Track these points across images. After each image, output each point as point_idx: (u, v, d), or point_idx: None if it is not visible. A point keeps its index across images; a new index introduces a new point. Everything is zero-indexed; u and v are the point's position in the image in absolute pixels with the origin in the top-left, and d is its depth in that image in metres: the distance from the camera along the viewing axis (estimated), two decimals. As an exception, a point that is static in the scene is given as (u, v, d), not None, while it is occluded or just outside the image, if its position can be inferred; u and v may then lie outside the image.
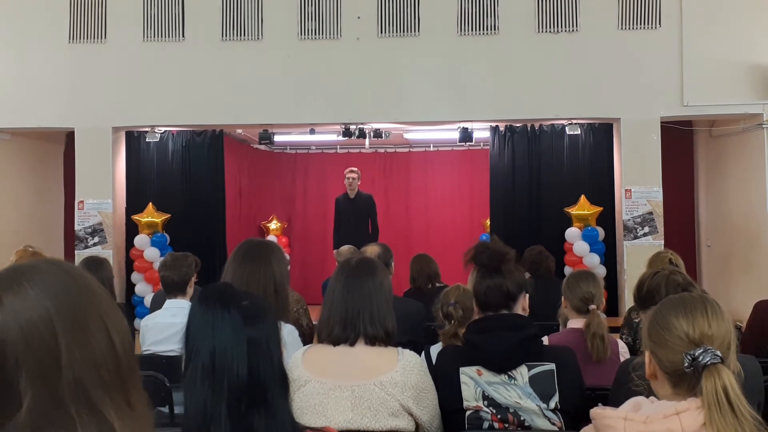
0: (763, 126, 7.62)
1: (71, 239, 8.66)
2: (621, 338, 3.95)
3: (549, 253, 5.86)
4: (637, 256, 7.18)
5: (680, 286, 2.70)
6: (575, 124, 8.29)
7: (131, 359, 1.03)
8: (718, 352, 1.58)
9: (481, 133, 8.99)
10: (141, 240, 8.44)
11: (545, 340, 3.14)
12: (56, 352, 0.96)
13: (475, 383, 2.50)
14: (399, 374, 2.36)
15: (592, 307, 3.39)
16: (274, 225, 10.87)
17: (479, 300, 2.67)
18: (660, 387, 1.72)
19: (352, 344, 2.41)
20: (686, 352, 1.60)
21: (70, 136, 8.79)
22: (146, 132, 8.68)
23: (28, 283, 0.99)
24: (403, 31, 8.06)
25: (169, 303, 3.97)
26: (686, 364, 1.60)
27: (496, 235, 2.78)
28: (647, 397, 1.71)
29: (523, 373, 2.48)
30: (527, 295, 2.68)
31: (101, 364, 0.98)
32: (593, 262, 8.03)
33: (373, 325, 2.43)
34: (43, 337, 0.96)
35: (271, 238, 10.14)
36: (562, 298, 3.60)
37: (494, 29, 8.02)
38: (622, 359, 3.26)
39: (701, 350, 1.59)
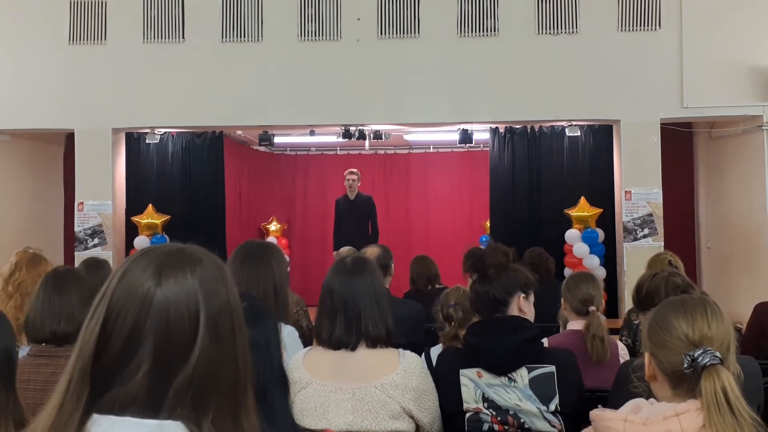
0: (763, 128, 7.62)
1: (71, 240, 8.66)
2: (621, 340, 3.94)
3: (549, 254, 5.85)
4: (637, 258, 7.18)
5: (679, 288, 2.70)
6: (575, 125, 8.29)
7: (247, 379, 1.06)
8: (718, 354, 1.59)
9: (481, 134, 8.99)
10: (141, 241, 8.43)
11: (545, 341, 3.13)
12: (189, 347, 0.98)
13: (475, 385, 2.50)
14: (400, 376, 2.36)
15: (592, 308, 3.39)
16: (274, 226, 10.87)
17: (472, 306, 2.73)
18: (659, 388, 1.72)
19: (353, 348, 2.41)
20: (686, 353, 1.61)
21: (69, 137, 8.79)
22: (146, 133, 8.68)
23: (191, 273, 1.02)
24: (403, 33, 8.06)
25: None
26: (685, 365, 1.60)
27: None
28: (647, 398, 1.72)
29: (523, 375, 2.48)
30: (524, 296, 2.65)
31: (223, 373, 1.01)
32: (593, 263, 8.03)
33: (375, 325, 2.42)
34: (183, 329, 0.99)
35: (271, 239, 10.14)
36: (562, 299, 3.60)
37: (494, 31, 8.02)
38: (621, 361, 3.26)
39: (701, 351, 1.59)
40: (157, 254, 1.04)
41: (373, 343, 2.41)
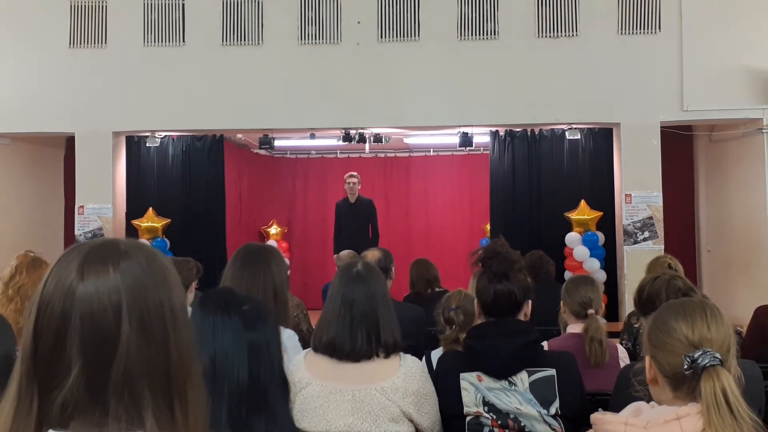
0: (763, 131, 7.63)
1: (71, 244, 8.64)
2: (621, 343, 3.94)
3: (549, 257, 5.84)
4: (637, 261, 7.17)
5: (681, 291, 2.69)
6: (575, 128, 8.29)
7: (186, 371, 1.05)
8: (718, 355, 1.59)
9: (481, 137, 9.00)
10: (141, 245, 8.42)
11: (544, 345, 3.13)
12: (115, 340, 0.98)
13: (475, 389, 2.49)
14: (400, 380, 2.35)
15: (591, 311, 3.38)
16: (274, 230, 10.87)
17: (486, 306, 2.61)
18: (660, 392, 1.72)
19: (370, 358, 2.38)
20: (686, 354, 1.61)
21: (70, 140, 8.80)
22: (146, 137, 8.69)
23: (113, 266, 1.02)
24: (403, 36, 8.07)
25: (170, 307, 3.97)
26: (686, 366, 1.60)
27: (503, 239, 2.71)
28: (647, 402, 1.72)
29: (523, 378, 2.47)
30: (530, 302, 2.67)
31: (154, 366, 1.00)
32: (593, 266, 8.03)
33: (392, 334, 2.41)
34: (107, 322, 0.98)
35: (271, 242, 10.13)
36: (561, 302, 3.59)
37: (494, 34, 8.03)
38: (621, 364, 3.25)
39: (700, 352, 1.60)
40: (83, 249, 1.05)
41: (388, 352, 2.40)
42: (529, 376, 2.47)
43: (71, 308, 0.98)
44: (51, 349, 0.98)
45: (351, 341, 2.38)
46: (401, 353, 2.45)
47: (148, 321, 1.01)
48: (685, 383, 1.63)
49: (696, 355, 1.60)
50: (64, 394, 0.96)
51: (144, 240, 8.30)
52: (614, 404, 2.53)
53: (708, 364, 1.58)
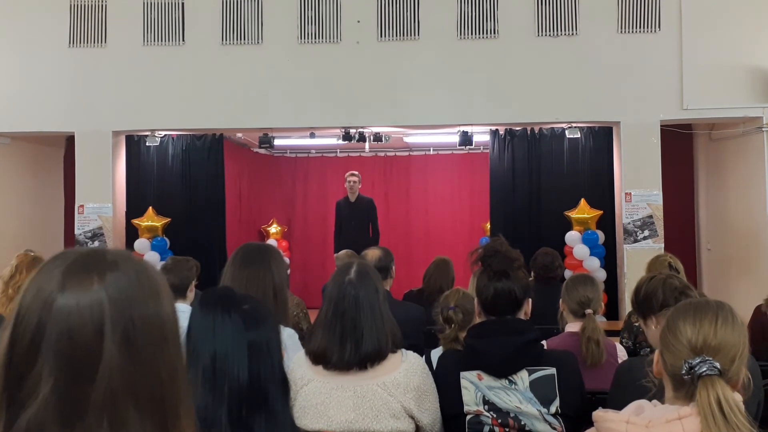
0: (763, 129, 7.62)
1: (71, 243, 8.66)
2: (621, 342, 3.94)
3: (561, 261, 5.78)
4: (637, 260, 7.17)
5: (677, 290, 2.68)
6: (575, 127, 8.29)
7: (178, 395, 0.98)
8: (717, 364, 1.57)
9: (481, 136, 8.99)
10: (141, 244, 8.43)
11: (544, 344, 3.12)
12: (96, 357, 0.91)
13: (475, 388, 2.50)
14: (402, 375, 2.36)
15: (589, 311, 3.38)
16: (274, 229, 10.87)
17: (486, 304, 2.60)
18: (665, 386, 1.72)
19: (361, 367, 2.36)
20: (685, 360, 1.60)
21: (70, 140, 8.79)
22: (146, 136, 8.69)
23: (98, 278, 0.95)
24: (403, 35, 8.07)
25: (170, 307, 3.97)
26: (683, 372, 1.59)
27: (502, 237, 2.70)
28: (653, 395, 1.72)
29: (523, 377, 2.47)
30: (530, 300, 2.67)
31: (140, 388, 0.93)
32: (593, 265, 8.02)
33: (384, 342, 2.39)
34: (87, 338, 0.91)
35: (271, 242, 10.13)
36: (560, 301, 3.59)
37: (494, 33, 8.03)
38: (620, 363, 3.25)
39: (699, 360, 1.58)
40: (67, 257, 0.97)
41: (381, 359, 2.39)
42: (529, 375, 2.48)
43: (48, 321, 0.91)
44: (23, 364, 0.91)
45: (340, 352, 2.36)
46: (403, 350, 2.46)
47: (134, 338, 0.93)
48: (684, 386, 1.62)
49: (694, 363, 1.58)
50: (29, 414, 0.89)
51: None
52: (611, 400, 2.53)
53: (704, 374, 1.56)
